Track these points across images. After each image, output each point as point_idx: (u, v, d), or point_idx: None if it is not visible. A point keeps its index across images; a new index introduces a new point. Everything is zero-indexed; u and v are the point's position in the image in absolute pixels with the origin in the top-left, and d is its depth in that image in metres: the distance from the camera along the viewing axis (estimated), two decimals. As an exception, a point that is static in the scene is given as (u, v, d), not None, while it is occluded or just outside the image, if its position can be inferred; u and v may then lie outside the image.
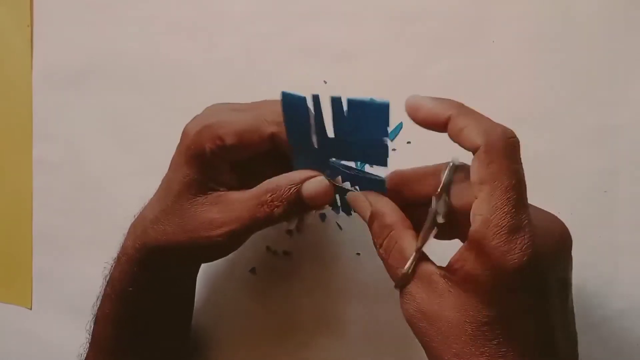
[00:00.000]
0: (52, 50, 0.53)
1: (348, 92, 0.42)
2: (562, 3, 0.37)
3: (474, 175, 0.27)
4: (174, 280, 0.39)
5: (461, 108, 0.29)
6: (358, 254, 0.42)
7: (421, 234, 0.29)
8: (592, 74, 0.36)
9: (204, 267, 0.42)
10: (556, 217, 0.30)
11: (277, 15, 0.45)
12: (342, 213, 0.35)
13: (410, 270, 0.28)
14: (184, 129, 0.35)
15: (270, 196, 0.32)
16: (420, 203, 0.31)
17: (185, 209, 0.34)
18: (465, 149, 0.28)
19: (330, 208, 0.35)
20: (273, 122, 0.33)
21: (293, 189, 0.32)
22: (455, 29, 0.39)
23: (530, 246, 0.25)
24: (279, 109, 0.31)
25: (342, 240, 0.42)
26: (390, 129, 0.30)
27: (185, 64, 0.47)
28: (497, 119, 0.39)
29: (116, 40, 0.51)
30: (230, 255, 0.45)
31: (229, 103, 0.36)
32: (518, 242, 0.25)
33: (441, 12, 0.40)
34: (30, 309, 0.54)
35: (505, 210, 0.26)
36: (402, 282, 0.29)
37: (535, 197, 0.38)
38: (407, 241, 0.29)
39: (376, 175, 0.32)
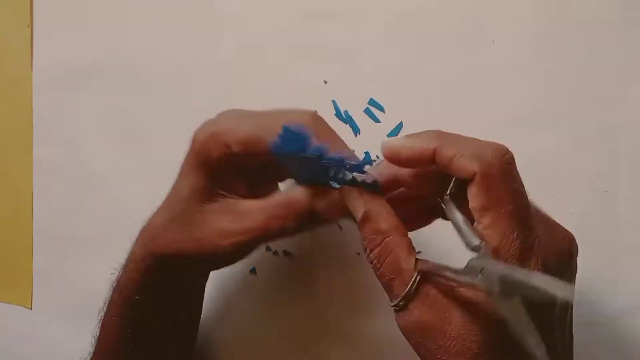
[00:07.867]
0: (52, 50, 0.53)
1: (348, 92, 0.43)
2: (562, 3, 0.37)
3: (473, 202, 0.26)
4: (181, 288, 0.38)
5: (443, 137, 0.28)
6: (358, 253, 0.42)
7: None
8: (592, 74, 0.36)
9: (204, 267, 0.42)
10: (562, 228, 0.29)
11: (277, 15, 0.45)
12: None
13: (413, 290, 0.27)
14: (193, 135, 0.34)
15: (283, 210, 0.32)
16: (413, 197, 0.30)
17: (194, 217, 0.34)
18: (459, 178, 0.27)
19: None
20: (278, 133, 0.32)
21: (306, 203, 0.31)
22: (455, 29, 0.39)
23: (541, 270, 0.25)
24: (286, 119, 0.30)
25: (342, 240, 0.42)
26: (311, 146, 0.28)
27: (185, 64, 0.48)
28: (497, 118, 0.39)
29: (117, 40, 0.51)
30: (230, 255, 0.45)
31: (241, 109, 0.35)
32: (531, 267, 0.25)
33: (441, 12, 0.40)
34: (31, 309, 0.54)
35: (514, 235, 0.25)
36: (402, 302, 0.27)
37: (535, 197, 0.38)
38: (403, 251, 0.28)
39: (371, 178, 0.31)
